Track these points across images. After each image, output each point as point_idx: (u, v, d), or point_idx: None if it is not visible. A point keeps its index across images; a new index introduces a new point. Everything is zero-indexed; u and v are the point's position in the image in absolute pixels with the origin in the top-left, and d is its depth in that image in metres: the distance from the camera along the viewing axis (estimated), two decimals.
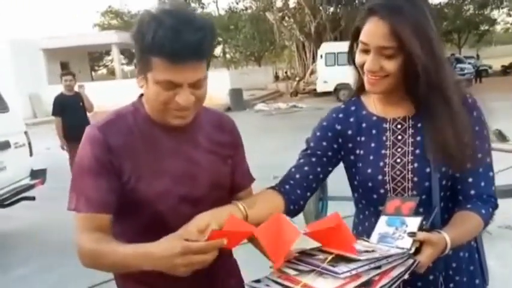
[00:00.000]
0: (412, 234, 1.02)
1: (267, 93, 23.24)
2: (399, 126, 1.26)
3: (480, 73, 23.54)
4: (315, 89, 19.75)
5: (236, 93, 17.45)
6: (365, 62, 1.18)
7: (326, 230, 0.99)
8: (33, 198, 4.85)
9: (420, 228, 1.04)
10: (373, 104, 1.30)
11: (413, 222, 1.05)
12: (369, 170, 1.25)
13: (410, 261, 0.99)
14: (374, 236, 1.08)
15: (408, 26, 1.10)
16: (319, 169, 1.30)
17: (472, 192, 1.21)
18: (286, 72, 33.68)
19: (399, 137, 1.25)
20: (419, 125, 1.24)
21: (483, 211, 1.18)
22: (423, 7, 1.15)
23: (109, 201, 1.11)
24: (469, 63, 24.16)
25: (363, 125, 1.29)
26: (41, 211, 5.47)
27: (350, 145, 1.30)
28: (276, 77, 33.18)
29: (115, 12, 39.35)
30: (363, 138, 1.29)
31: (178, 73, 1.04)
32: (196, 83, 1.08)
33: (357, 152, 1.29)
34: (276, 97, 22.07)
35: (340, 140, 1.31)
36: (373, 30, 1.14)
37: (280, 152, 7.86)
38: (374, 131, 1.28)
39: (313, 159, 1.30)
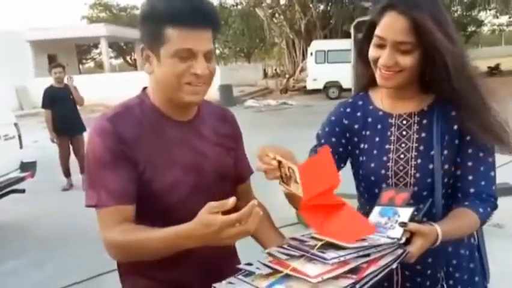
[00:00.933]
0: (403, 225, 1.03)
1: (256, 89, 23.17)
2: (404, 122, 1.26)
3: None
4: (304, 87, 19.73)
5: (226, 89, 17.37)
6: (379, 56, 1.17)
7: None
8: (23, 191, 4.80)
9: (412, 219, 1.05)
10: (380, 99, 1.31)
11: (405, 213, 1.06)
12: (372, 164, 1.26)
13: (400, 250, 1.00)
14: None
15: (428, 20, 1.10)
16: None
17: (471, 190, 1.21)
18: (275, 69, 33.59)
19: (404, 133, 1.25)
20: (424, 121, 1.24)
21: (480, 209, 1.18)
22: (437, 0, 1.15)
23: (130, 191, 1.08)
24: None
25: (369, 119, 1.30)
26: (31, 204, 5.43)
27: (356, 139, 1.31)
28: (265, 74, 33.07)
29: (104, 5, 38.75)
30: (368, 133, 1.29)
31: (196, 41, 1.05)
32: (209, 54, 1.09)
33: (362, 146, 1.30)
34: (265, 94, 22.03)
35: (347, 135, 1.32)
36: (391, 25, 1.13)
37: None
38: (379, 126, 1.28)
39: None
